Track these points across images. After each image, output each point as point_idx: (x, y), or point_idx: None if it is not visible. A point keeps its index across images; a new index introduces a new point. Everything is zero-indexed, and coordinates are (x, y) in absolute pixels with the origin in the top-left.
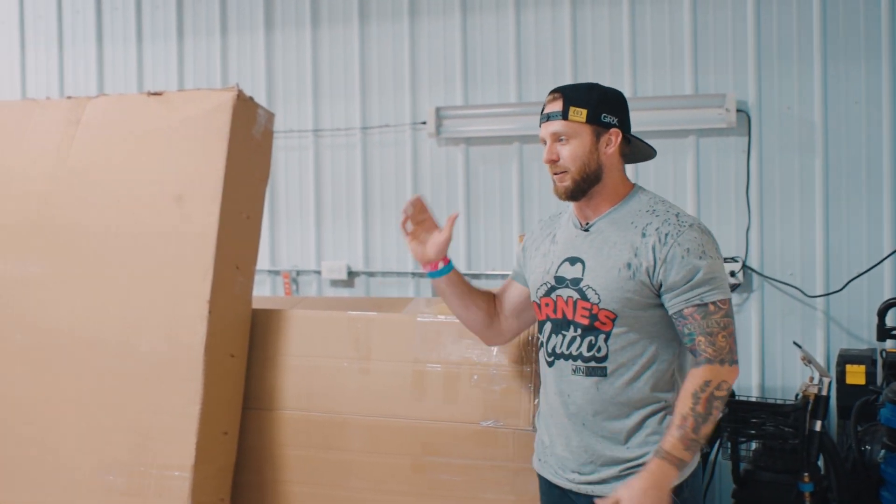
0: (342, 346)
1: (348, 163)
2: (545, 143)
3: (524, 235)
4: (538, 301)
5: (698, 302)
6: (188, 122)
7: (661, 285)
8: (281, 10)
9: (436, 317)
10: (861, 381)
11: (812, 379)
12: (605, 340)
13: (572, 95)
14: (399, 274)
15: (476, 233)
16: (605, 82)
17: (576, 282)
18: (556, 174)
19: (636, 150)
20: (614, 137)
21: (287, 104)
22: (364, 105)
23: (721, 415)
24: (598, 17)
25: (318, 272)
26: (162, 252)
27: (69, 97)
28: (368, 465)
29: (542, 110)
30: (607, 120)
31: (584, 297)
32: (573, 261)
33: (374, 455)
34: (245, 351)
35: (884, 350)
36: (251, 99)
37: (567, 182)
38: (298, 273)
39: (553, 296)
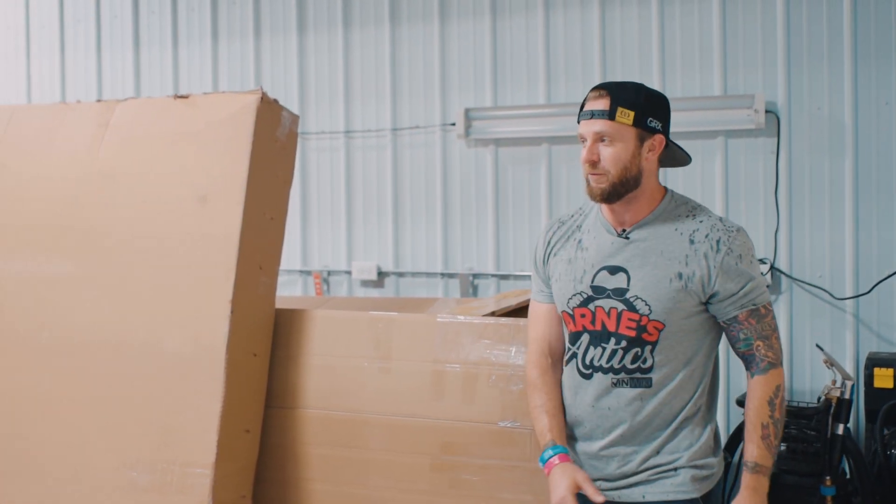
0: (363, 345)
1: (379, 164)
2: (584, 140)
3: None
4: (570, 311)
5: (752, 307)
6: (213, 124)
7: (715, 293)
8: (313, 12)
9: (455, 317)
10: (889, 384)
11: (834, 382)
12: (651, 352)
13: (620, 95)
14: (428, 274)
15: (505, 234)
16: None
17: (620, 292)
18: (593, 175)
19: (672, 154)
20: (658, 144)
21: (319, 106)
22: (394, 106)
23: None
24: (627, 17)
25: (349, 272)
26: (186, 253)
27: (99, 100)
28: (388, 463)
29: (583, 106)
30: (653, 125)
31: (631, 309)
32: (613, 270)
33: (394, 454)
34: (268, 350)
35: None
36: (276, 101)
37: (604, 184)
38: (329, 273)
39: (591, 306)
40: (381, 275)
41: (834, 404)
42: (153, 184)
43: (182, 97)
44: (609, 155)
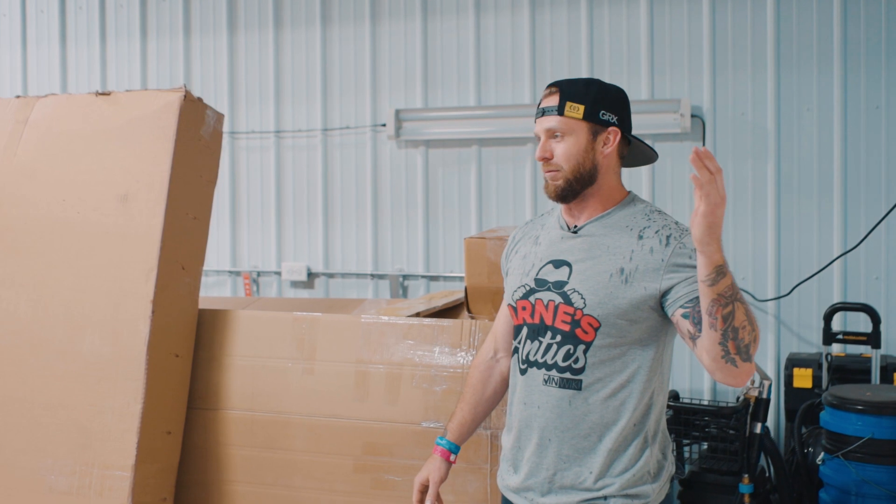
0: (287, 346)
1: (309, 164)
2: (539, 139)
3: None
4: (514, 304)
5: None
6: (135, 122)
7: (666, 291)
8: (244, 12)
9: (379, 318)
10: (808, 384)
11: (753, 382)
12: (585, 352)
13: (569, 90)
14: (358, 275)
15: (435, 235)
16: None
17: (559, 285)
18: (548, 172)
19: (636, 152)
20: (612, 136)
21: (249, 105)
22: (325, 107)
23: (741, 319)
24: (557, 21)
25: (279, 273)
26: (107, 252)
27: (18, 96)
28: (311, 464)
29: (538, 104)
30: (605, 118)
31: (567, 302)
32: (558, 263)
33: (317, 455)
34: (190, 351)
35: (829, 354)
36: (200, 100)
37: (559, 181)
38: (259, 274)
39: (531, 299)
40: (311, 276)
41: (752, 404)
42: (73, 181)
43: (104, 94)
44: (561, 151)
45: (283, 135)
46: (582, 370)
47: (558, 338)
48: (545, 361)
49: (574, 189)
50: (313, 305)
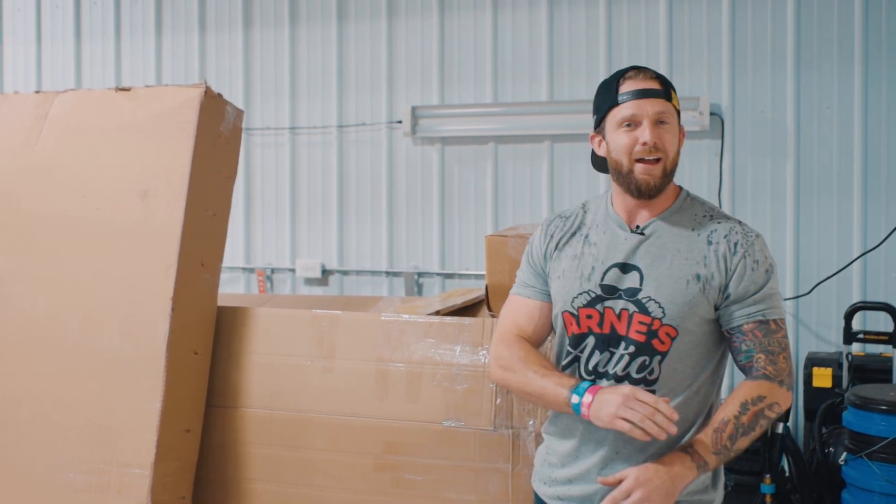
0: (306, 344)
1: (324, 161)
2: (632, 123)
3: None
4: (574, 312)
5: (760, 318)
6: (155, 117)
7: (728, 297)
8: (260, 8)
9: (400, 316)
10: (828, 384)
11: None
12: (660, 363)
13: (666, 79)
14: (373, 273)
15: (450, 233)
16: (583, 84)
17: (632, 292)
18: (646, 164)
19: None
20: (683, 135)
21: (264, 102)
22: (341, 104)
23: (760, 434)
24: (575, 18)
25: (293, 270)
26: (126, 248)
27: (37, 91)
28: (331, 463)
29: (619, 88)
30: (681, 115)
31: (643, 311)
32: (626, 268)
33: (337, 453)
34: (209, 348)
35: (850, 353)
36: (220, 96)
37: (659, 174)
38: (273, 271)
39: (599, 307)
40: (326, 273)
41: None
42: (92, 177)
43: (124, 90)
44: (668, 138)
45: (299, 131)
46: (656, 381)
47: (631, 349)
48: (616, 373)
49: (666, 183)
50: (330, 303)
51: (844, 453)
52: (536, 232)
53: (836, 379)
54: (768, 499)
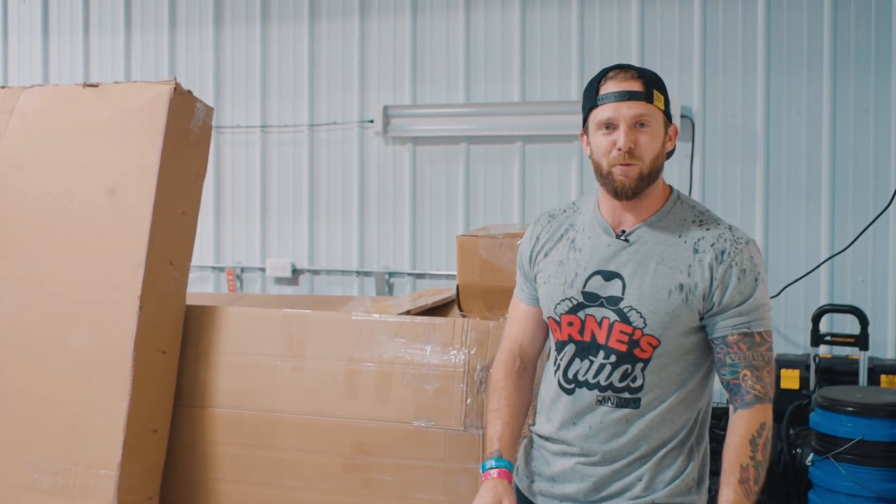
0: (276, 343)
1: (295, 160)
2: (610, 126)
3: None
4: (557, 318)
5: (745, 330)
6: (124, 114)
7: (712, 307)
8: (231, 5)
9: (370, 315)
10: (795, 385)
11: None
12: (643, 370)
13: (649, 77)
14: (343, 272)
15: (422, 233)
16: (555, 85)
17: (613, 301)
18: (625, 165)
19: None
20: (673, 134)
21: (235, 100)
22: (312, 102)
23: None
24: (548, 19)
25: (263, 269)
26: (94, 246)
27: (3, 87)
28: (300, 463)
29: (599, 89)
30: (670, 113)
31: (624, 320)
32: (608, 275)
33: (307, 454)
34: (177, 347)
35: (817, 355)
36: (189, 93)
37: (636, 177)
38: (243, 270)
39: (581, 314)
40: (296, 272)
41: None
42: (59, 174)
43: (92, 85)
44: (646, 142)
45: (269, 130)
46: (640, 388)
47: (613, 358)
48: (598, 382)
49: (644, 185)
50: (300, 302)
51: (811, 454)
52: (525, 234)
53: (804, 381)
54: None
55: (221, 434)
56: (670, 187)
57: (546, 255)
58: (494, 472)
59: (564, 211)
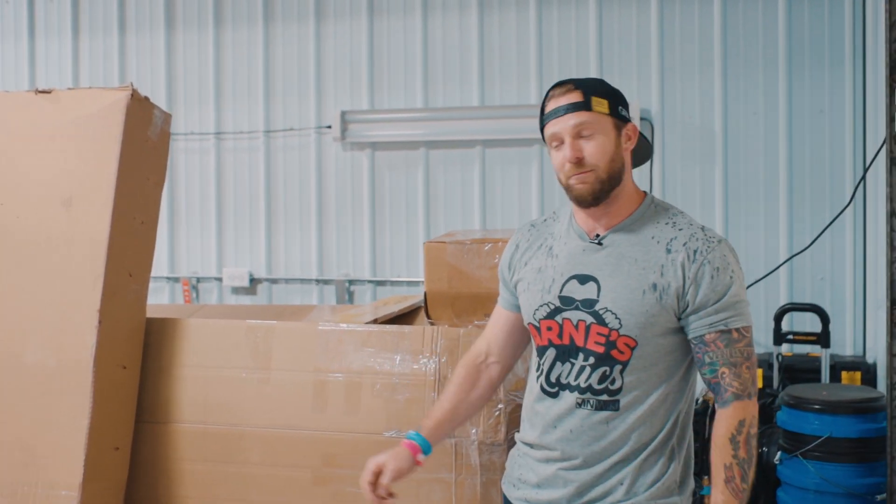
0: (241, 355)
1: (251, 167)
2: (557, 141)
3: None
4: (536, 324)
5: (722, 328)
6: (79, 121)
7: (686, 307)
8: (182, 9)
9: (338, 325)
10: (759, 384)
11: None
12: (622, 372)
13: (588, 85)
14: (303, 280)
15: (381, 239)
16: (514, 89)
17: (589, 303)
18: (579, 174)
19: (637, 149)
20: (632, 133)
21: (188, 106)
22: (268, 108)
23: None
24: (505, 23)
25: (220, 279)
26: (50, 259)
27: None
28: (268, 477)
29: (545, 107)
30: (624, 113)
31: (600, 322)
32: (583, 279)
33: (274, 468)
34: (138, 362)
35: (780, 354)
36: (147, 99)
37: (593, 182)
38: (199, 280)
39: (558, 318)
40: (254, 281)
41: (711, 405)
42: (12, 185)
43: (44, 92)
44: (594, 149)
45: (224, 136)
46: (619, 390)
47: (591, 360)
48: (578, 384)
49: (606, 190)
50: (262, 312)
51: (779, 452)
52: (508, 243)
53: (767, 379)
54: (707, 500)
55: (186, 450)
56: (645, 192)
57: (526, 263)
58: (405, 443)
59: (545, 220)
